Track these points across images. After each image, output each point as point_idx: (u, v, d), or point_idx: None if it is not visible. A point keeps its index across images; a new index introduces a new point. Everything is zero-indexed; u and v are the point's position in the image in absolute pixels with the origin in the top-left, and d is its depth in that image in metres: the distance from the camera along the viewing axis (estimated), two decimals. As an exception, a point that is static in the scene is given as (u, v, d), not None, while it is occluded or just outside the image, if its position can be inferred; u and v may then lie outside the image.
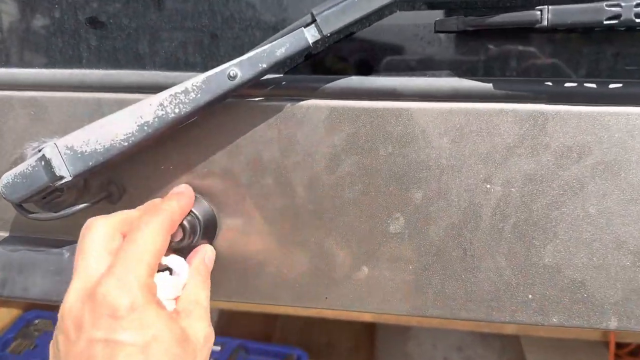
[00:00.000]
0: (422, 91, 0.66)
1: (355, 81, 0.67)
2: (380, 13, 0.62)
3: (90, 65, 0.72)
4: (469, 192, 0.67)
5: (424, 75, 0.66)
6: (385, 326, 2.43)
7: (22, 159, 0.76)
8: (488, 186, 0.67)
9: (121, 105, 0.71)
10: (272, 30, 0.68)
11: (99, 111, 0.72)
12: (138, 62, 0.71)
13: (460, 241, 0.69)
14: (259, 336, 2.24)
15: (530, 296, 0.70)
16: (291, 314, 2.14)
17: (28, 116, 0.74)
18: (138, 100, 0.69)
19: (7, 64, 0.74)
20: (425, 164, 0.67)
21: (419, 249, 0.70)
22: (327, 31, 0.61)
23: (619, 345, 2.16)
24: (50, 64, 0.73)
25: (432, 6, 0.64)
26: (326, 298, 0.74)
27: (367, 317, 2.08)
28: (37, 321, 2.23)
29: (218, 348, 2.06)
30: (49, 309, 2.36)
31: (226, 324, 2.40)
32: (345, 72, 0.68)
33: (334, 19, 0.61)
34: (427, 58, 0.67)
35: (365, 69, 0.68)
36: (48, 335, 2.14)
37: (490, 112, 0.65)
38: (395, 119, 0.67)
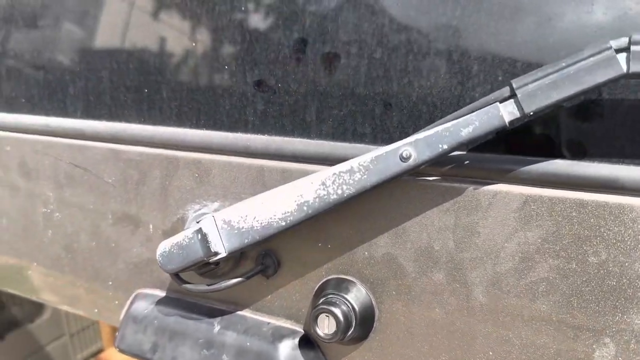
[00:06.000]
0: (656, 185, 0.50)
1: (561, 165, 0.53)
2: (600, 86, 0.48)
3: (255, 130, 0.68)
4: None
5: (660, 164, 0.50)
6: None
7: (183, 220, 0.74)
8: None
9: (283, 173, 0.66)
10: (456, 101, 0.57)
11: (261, 178, 0.67)
12: (304, 130, 0.65)
13: (699, 389, 0.51)
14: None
15: None
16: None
17: (192, 177, 0.72)
18: (302, 170, 0.64)
19: (175, 123, 0.73)
20: (654, 281, 0.51)
21: (636, 388, 0.53)
22: (529, 109, 0.49)
23: None
24: (217, 126, 0.71)
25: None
26: None
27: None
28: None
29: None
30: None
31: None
32: (547, 154, 0.55)
33: (540, 95, 0.48)
34: (666, 143, 0.50)
35: (576, 151, 0.54)
36: None
37: None
38: (614, 218, 0.51)
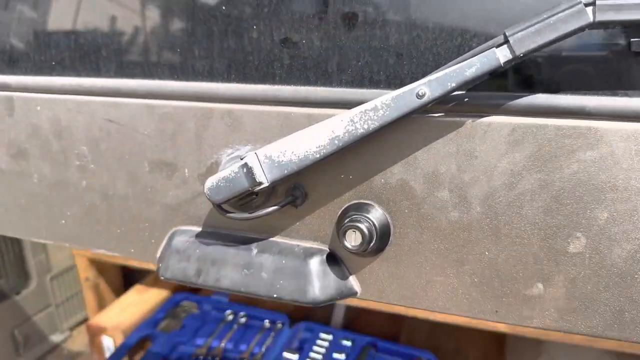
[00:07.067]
0: (613, 111, 0.65)
1: (541, 98, 0.67)
2: (573, 33, 0.62)
3: (282, 81, 0.80)
4: (661, 215, 0.65)
5: (615, 94, 0.65)
6: (516, 338, 2.35)
7: (217, 164, 0.85)
8: (683, 210, 0.64)
9: (309, 119, 0.77)
10: (457, 50, 0.70)
11: (288, 124, 0.79)
12: (326, 80, 0.77)
13: (646, 265, 0.67)
14: (386, 336, 2.27)
15: None
16: (419, 316, 2.14)
17: (225, 126, 0.83)
18: (325, 114, 0.76)
19: (209, 78, 0.84)
20: (612, 185, 0.66)
21: (600, 270, 0.69)
22: (519, 51, 0.63)
23: None
24: (247, 79, 0.82)
25: (629, 26, 0.63)
26: (496, 311, 0.75)
27: (501, 327, 2.03)
28: (184, 302, 2.45)
29: (349, 343, 2.13)
30: (196, 293, 2.57)
31: (353, 320, 2.47)
32: (530, 89, 0.69)
33: (527, 40, 0.62)
34: (620, 77, 0.65)
35: (552, 86, 0.68)
36: (193, 317, 2.34)
37: (690, 133, 0.62)
38: (583, 139, 0.66)
